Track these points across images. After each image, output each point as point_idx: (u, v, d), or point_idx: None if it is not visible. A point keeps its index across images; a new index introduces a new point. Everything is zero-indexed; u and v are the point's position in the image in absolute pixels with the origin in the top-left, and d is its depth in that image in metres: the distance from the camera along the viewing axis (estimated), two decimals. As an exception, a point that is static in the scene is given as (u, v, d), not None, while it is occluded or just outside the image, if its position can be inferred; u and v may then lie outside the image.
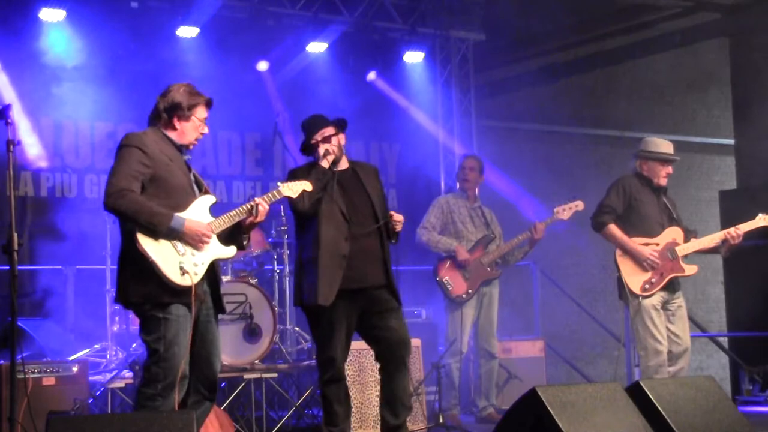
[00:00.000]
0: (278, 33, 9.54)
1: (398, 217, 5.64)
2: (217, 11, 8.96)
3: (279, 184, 5.20)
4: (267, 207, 4.93)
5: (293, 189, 5.22)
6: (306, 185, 5.29)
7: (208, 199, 4.87)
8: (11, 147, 4.75)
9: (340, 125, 5.72)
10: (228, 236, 4.90)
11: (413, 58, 10.19)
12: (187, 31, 9.00)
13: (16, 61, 8.47)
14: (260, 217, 4.91)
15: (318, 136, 5.63)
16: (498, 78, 12.04)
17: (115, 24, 8.69)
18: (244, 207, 4.92)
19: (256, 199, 4.94)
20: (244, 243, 5.00)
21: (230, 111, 9.03)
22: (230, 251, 4.89)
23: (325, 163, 5.55)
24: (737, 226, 6.61)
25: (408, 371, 5.67)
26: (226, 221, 4.84)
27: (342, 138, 5.71)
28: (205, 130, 4.92)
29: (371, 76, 10.17)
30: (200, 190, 4.89)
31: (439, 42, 10.42)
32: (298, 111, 9.54)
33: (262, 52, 9.57)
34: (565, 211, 7.49)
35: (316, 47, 9.70)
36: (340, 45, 9.81)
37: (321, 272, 5.41)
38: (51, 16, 8.46)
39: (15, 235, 4.71)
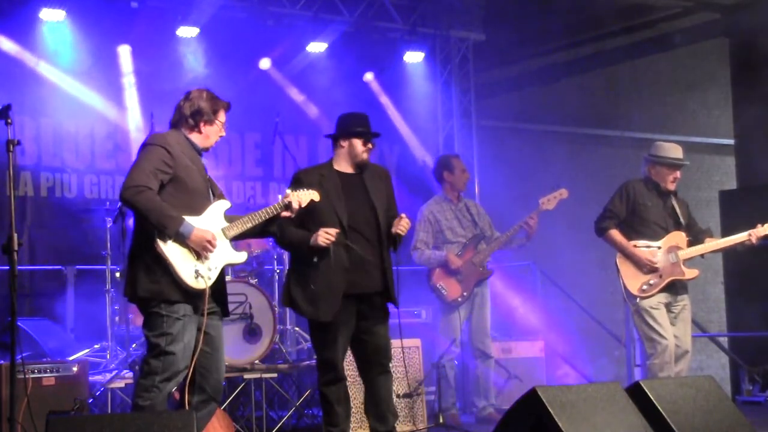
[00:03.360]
0: (278, 33, 9.54)
1: (405, 222, 5.52)
2: (217, 11, 8.96)
3: (288, 191, 5.18)
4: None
5: (302, 198, 5.17)
6: (314, 195, 5.24)
7: (223, 204, 4.98)
8: (11, 147, 4.76)
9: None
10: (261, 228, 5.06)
11: (413, 58, 10.19)
12: (187, 31, 9.00)
13: (16, 60, 8.46)
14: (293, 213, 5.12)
15: (364, 148, 5.61)
16: (498, 78, 12.03)
17: (115, 24, 8.69)
18: (269, 209, 5.04)
19: (290, 197, 5.09)
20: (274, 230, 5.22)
21: (230, 111, 9.01)
22: (241, 257, 5.01)
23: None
24: (764, 233, 6.53)
25: (390, 377, 5.68)
26: (239, 226, 4.93)
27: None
28: (224, 133, 5.08)
29: (368, 76, 10.17)
30: (214, 195, 4.99)
31: (439, 42, 10.41)
32: (297, 110, 9.61)
33: (262, 52, 9.56)
34: (549, 201, 7.40)
35: (316, 47, 9.69)
36: (340, 45, 9.80)
37: (320, 288, 5.40)
38: (51, 16, 8.46)
39: (15, 235, 4.72)
